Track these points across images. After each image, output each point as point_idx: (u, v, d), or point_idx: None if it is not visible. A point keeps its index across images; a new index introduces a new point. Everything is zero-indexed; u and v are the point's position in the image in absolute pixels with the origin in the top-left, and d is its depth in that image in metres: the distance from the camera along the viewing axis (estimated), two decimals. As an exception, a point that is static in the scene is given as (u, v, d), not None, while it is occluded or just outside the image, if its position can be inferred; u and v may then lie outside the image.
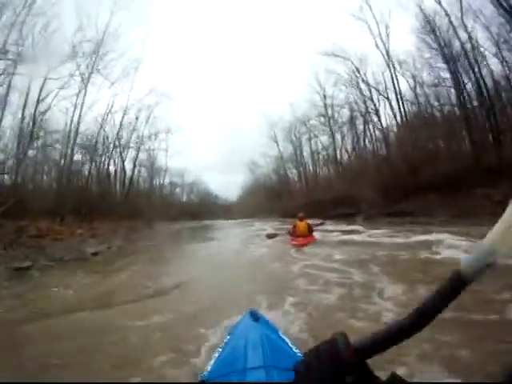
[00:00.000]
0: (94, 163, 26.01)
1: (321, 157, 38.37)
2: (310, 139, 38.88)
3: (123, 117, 27.26)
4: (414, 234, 10.06)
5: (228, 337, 1.74)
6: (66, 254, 10.88)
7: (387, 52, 24.84)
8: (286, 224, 22.39)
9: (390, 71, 24.84)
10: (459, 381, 2.16)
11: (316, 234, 11.51)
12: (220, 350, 1.56)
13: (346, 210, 22.01)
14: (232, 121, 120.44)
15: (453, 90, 20.04)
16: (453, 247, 6.94)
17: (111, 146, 28.80)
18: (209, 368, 1.38)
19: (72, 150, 22.07)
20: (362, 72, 27.61)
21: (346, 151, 33.20)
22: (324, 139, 36.17)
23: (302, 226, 11.00)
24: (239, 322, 1.93)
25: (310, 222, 11.80)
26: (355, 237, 11.18)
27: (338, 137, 33.54)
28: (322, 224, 13.65)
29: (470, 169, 15.03)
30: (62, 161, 21.67)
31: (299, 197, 35.96)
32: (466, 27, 18.78)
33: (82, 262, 10.20)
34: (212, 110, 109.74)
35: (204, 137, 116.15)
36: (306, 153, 41.07)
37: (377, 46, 25.49)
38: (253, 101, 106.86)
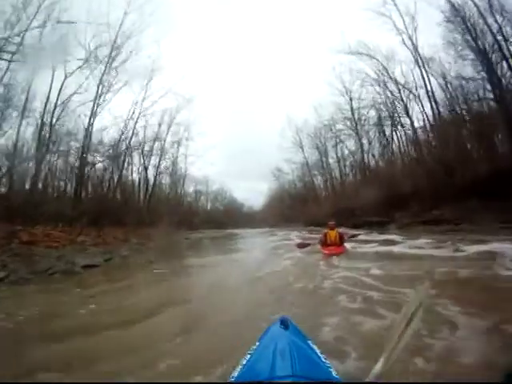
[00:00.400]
0: (114, 169, 25.30)
1: (347, 163, 36.82)
2: (336, 144, 37.33)
3: (137, 120, 26.28)
4: (464, 244, 8.79)
5: (257, 343, 1.72)
6: (54, 266, 9.41)
7: (415, 48, 23.36)
8: (313, 233, 21.31)
9: (420, 68, 23.27)
10: (459, 381, 2.04)
11: (347, 245, 10.61)
12: (248, 355, 1.55)
13: (376, 218, 20.57)
14: (256, 125, 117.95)
15: (487, 85, 18.47)
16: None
17: (132, 152, 28.38)
18: (236, 374, 1.40)
19: (86, 154, 21.65)
20: (389, 71, 26.18)
21: (373, 156, 31.73)
22: (350, 144, 34.72)
23: (332, 234, 10.34)
24: (269, 328, 1.93)
25: (341, 230, 11.09)
26: (393, 248, 9.96)
27: (365, 141, 31.97)
28: (355, 236, 12.76)
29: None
30: (81, 166, 21.22)
31: (325, 204, 34.60)
32: (495, 18, 17.50)
33: (66, 277, 8.66)
34: (234, 115, 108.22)
35: (227, 143, 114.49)
36: (332, 159, 39.50)
37: (403, 42, 24.06)
38: (276, 105, 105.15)
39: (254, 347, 1.66)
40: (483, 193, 13.44)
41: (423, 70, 23.04)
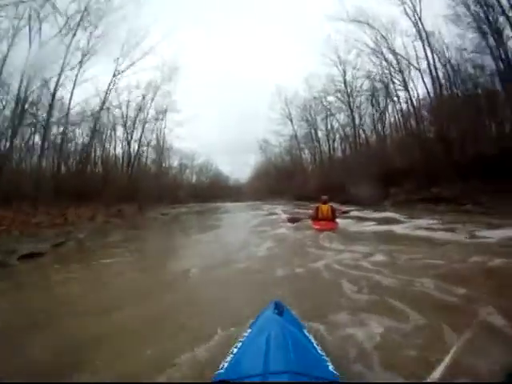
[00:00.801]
0: (94, 143, 24.54)
1: (337, 136, 35.69)
2: (326, 117, 35.88)
3: (112, 82, 24.54)
4: (476, 227, 7.76)
5: (249, 330, 1.63)
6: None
7: (419, 19, 21.75)
8: (301, 208, 20.69)
9: (422, 40, 21.75)
10: (459, 381, 1.79)
11: (339, 221, 9.98)
12: (239, 344, 1.46)
13: (367, 193, 19.42)
14: (245, 98, 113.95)
15: (492, 61, 17.22)
16: None
17: (114, 124, 27.68)
18: (225, 365, 1.31)
19: (58, 125, 20.72)
20: (389, 42, 24.43)
21: (363, 131, 30.54)
22: (342, 117, 33.43)
23: (325, 209, 9.80)
24: (262, 313, 1.84)
25: (333, 205, 10.29)
26: (395, 228, 8.82)
27: (356, 114, 30.67)
28: (346, 212, 12.06)
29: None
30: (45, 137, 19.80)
31: (313, 179, 33.75)
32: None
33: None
34: (223, 86, 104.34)
35: (214, 115, 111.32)
36: (321, 132, 38.15)
37: (405, 12, 22.40)
38: (266, 76, 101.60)
39: (246, 334, 1.56)
40: (488, 172, 12.52)
41: (425, 43, 21.60)
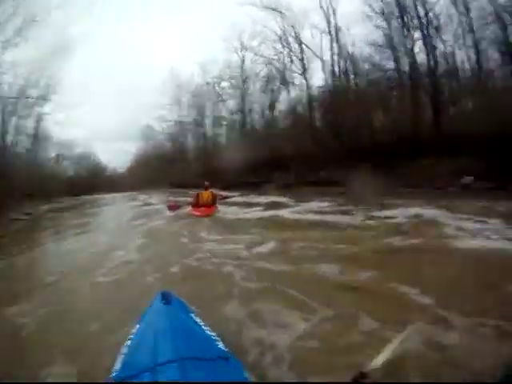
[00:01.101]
0: None
1: (225, 122, 34.99)
2: (216, 102, 34.94)
3: None
4: (374, 208, 7.26)
5: (137, 326, 1.50)
6: None
7: (333, 12, 21.40)
8: (178, 195, 19.51)
9: (330, 33, 21.63)
10: (459, 381, 1.74)
11: (226, 209, 9.82)
12: (128, 343, 1.35)
13: (252, 178, 18.88)
14: (135, 82, 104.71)
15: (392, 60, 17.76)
16: (459, 227, 4.63)
17: None
18: (118, 366, 1.20)
19: None
20: (296, 31, 24.18)
21: (251, 118, 30.34)
22: (232, 103, 32.88)
23: (206, 195, 9.61)
24: (149, 307, 1.68)
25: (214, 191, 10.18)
26: (283, 213, 8.05)
27: (249, 101, 30.47)
28: (227, 197, 11.58)
29: (408, 140, 13.18)
30: None
31: (195, 165, 32.92)
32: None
33: None
34: (111, 69, 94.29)
35: (106, 101, 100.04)
36: (208, 118, 37.08)
37: (320, 5, 21.72)
38: (159, 60, 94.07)
39: (134, 331, 1.44)
40: (375, 159, 12.93)
41: (333, 36, 21.55)
